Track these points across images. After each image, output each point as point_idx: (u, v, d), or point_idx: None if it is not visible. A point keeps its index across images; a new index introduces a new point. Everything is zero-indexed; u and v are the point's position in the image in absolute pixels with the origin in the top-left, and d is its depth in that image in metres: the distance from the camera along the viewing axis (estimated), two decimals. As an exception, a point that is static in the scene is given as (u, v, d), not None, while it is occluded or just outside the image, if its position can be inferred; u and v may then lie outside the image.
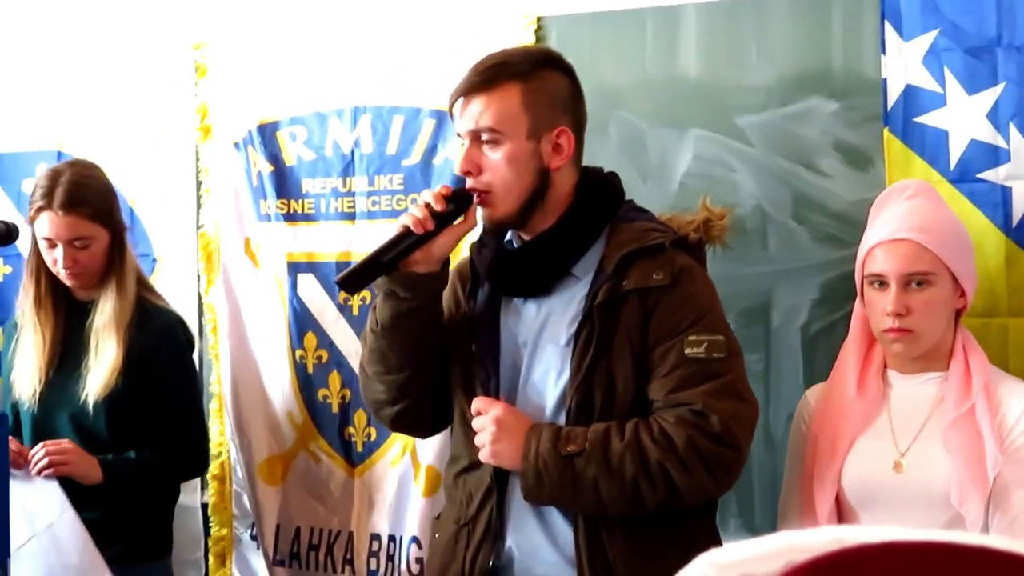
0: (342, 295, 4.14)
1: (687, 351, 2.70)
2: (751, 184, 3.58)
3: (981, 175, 3.27)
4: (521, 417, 2.78)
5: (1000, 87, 3.25)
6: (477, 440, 2.81)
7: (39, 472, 3.59)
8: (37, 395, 3.78)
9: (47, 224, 3.71)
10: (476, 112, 2.78)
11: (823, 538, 0.79)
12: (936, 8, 3.31)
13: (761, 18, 3.58)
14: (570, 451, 2.68)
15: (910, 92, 3.35)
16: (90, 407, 3.71)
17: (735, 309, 3.57)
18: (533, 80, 2.80)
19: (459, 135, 2.85)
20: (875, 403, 2.97)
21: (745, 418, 2.74)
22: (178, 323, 3.92)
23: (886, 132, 3.36)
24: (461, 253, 3.15)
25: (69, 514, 3.54)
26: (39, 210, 3.71)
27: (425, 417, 3.07)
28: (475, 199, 2.80)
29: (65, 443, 3.65)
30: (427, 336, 2.88)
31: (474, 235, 2.98)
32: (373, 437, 4.15)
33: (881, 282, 2.89)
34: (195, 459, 3.99)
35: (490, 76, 2.79)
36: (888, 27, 3.36)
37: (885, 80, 3.37)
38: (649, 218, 2.88)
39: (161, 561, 3.96)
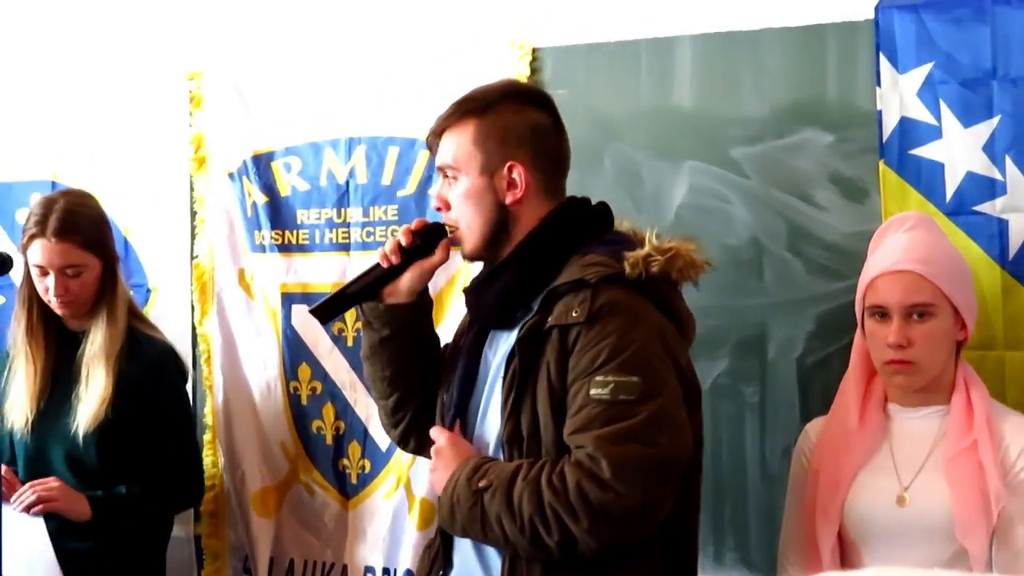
0: (337, 326, 4.14)
1: (592, 392, 2.60)
2: (746, 216, 3.57)
3: (977, 207, 3.26)
4: (461, 448, 2.81)
5: (996, 120, 3.24)
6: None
7: (26, 509, 3.58)
8: (29, 425, 3.78)
9: (39, 251, 3.70)
10: (441, 149, 2.86)
11: None
12: (931, 41, 3.31)
13: (756, 50, 3.58)
14: (480, 486, 2.68)
15: (905, 124, 3.34)
16: (80, 438, 3.70)
17: (730, 341, 3.58)
18: (488, 116, 2.82)
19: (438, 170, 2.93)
20: (876, 436, 2.96)
21: (647, 463, 2.57)
22: (169, 353, 3.92)
23: (881, 165, 3.35)
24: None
25: (48, 555, 3.54)
26: (32, 237, 3.71)
27: (427, 439, 3.01)
28: (449, 234, 2.87)
29: (52, 482, 3.64)
30: (409, 362, 2.98)
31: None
32: (367, 469, 4.13)
33: (882, 313, 2.89)
34: (188, 490, 4.00)
35: (452, 112, 2.86)
36: (883, 60, 3.36)
37: (880, 112, 3.36)
38: (612, 251, 2.75)
39: (154, 589, 3.94)
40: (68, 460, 3.73)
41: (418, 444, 3.11)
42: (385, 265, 2.85)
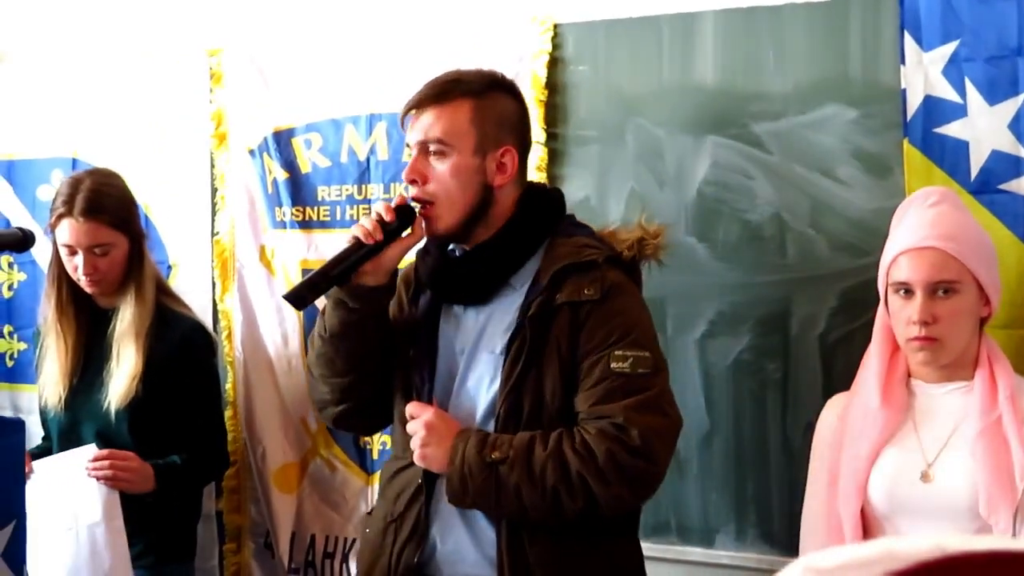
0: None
1: (613, 365, 2.79)
2: (769, 192, 3.56)
3: (1002, 186, 3.25)
4: (450, 422, 2.88)
5: (1021, 97, 3.22)
6: (411, 444, 2.90)
7: (98, 478, 3.62)
8: (62, 402, 3.82)
9: (68, 231, 3.73)
10: (426, 124, 2.90)
11: (924, 545, 0.78)
12: (956, 18, 3.29)
13: (778, 25, 3.56)
14: (494, 458, 2.77)
15: (930, 103, 3.33)
16: (112, 415, 3.74)
17: (753, 317, 3.57)
18: (484, 99, 2.92)
19: (408, 146, 2.96)
20: (900, 413, 2.95)
21: (665, 433, 2.82)
22: (198, 329, 3.96)
23: (906, 143, 3.34)
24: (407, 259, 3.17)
25: (117, 523, 3.60)
26: (60, 217, 3.74)
27: (366, 418, 3.20)
28: (418, 211, 2.90)
29: (131, 458, 3.69)
30: (372, 343, 2.99)
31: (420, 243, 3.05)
32: (388, 445, 4.13)
33: (907, 290, 2.87)
34: (218, 463, 4.05)
35: (444, 91, 2.91)
36: (908, 37, 3.34)
37: (904, 90, 3.35)
38: (587, 233, 2.99)
39: (185, 565, 4.00)
40: (100, 436, 3.76)
41: (356, 422, 3.21)
42: (370, 242, 2.86)
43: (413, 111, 2.94)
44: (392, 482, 3.05)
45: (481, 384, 2.92)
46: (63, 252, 3.80)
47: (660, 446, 2.78)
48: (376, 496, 3.18)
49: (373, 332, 2.97)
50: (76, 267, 3.77)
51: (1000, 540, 0.77)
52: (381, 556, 3.00)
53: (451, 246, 3.00)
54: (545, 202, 3.03)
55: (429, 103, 2.91)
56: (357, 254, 2.88)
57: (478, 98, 2.91)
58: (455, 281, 2.97)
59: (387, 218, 2.87)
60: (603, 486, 2.73)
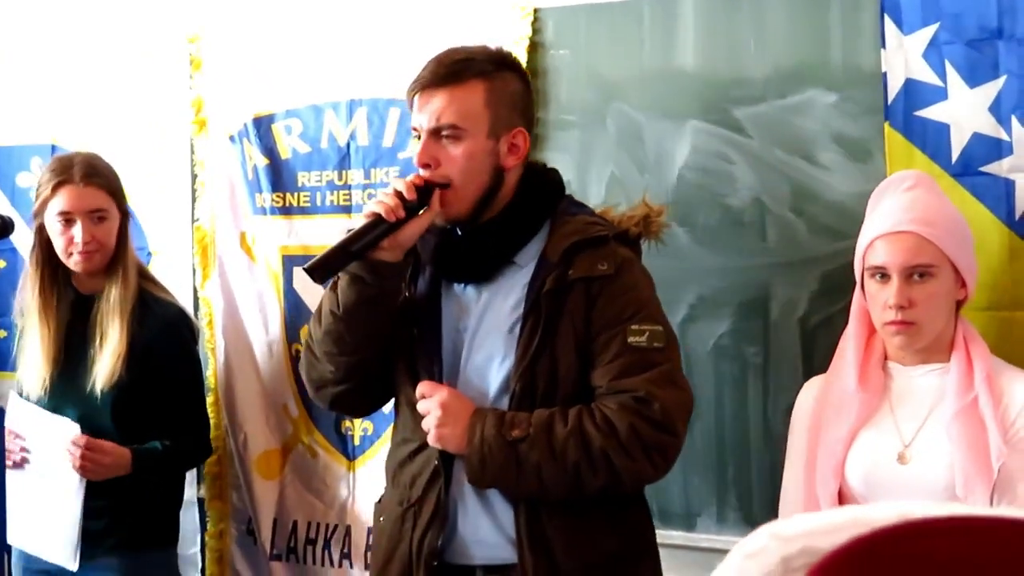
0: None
1: (629, 339, 2.80)
2: (749, 176, 3.56)
3: (983, 168, 3.25)
4: (465, 401, 2.85)
5: (1002, 80, 3.22)
6: (424, 424, 2.86)
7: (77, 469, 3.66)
8: (46, 388, 3.80)
9: (66, 198, 3.77)
10: (439, 107, 2.84)
11: (888, 513, 0.78)
12: (936, 1, 3.28)
13: (759, 9, 3.55)
14: (514, 436, 2.76)
15: (911, 86, 3.33)
16: (97, 397, 3.74)
17: (734, 302, 3.58)
18: (496, 80, 2.89)
19: (415, 128, 2.90)
20: (877, 395, 2.96)
21: (683, 406, 2.86)
22: (181, 315, 3.97)
23: (887, 127, 3.34)
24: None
25: (75, 503, 3.63)
26: (58, 185, 3.77)
27: (365, 399, 3.16)
28: (439, 190, 2.85)
29: (108, 454, 3.69)
30: (385, 321, 2.94)
31: None
32: (370, 431, 4.14)
33: (883, 274, 2.88)
34: (200, 450, 4.05)
35: (455, 71, 2.86)
36: (888, 21, 3.34)
37: (885, 74, 3.34)
38: (589, 212, 2.99)
39: (166, 550, 4.00)
40: (83, 422, 3.75)
41: (354, 402, 3.17)
42: (392, 219, 2.80)
43: (422, 92, 2.87)
44: (404, 467, 3.01)
45: (491, 362, 2.90)
46: (57, 226, 3.79)
47: (679, 418, 2.82)
48: (387, 482, 3.13)
49: (387, 309, 2.91)
50: (72, 239, 3.77)
51: (961, 507, 0.77)
52: (400, 543, 2.96)
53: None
54: (546, 181, 3.02)
55: (441, 84, 2.85)
56: (377, 230, 2.81)
57: (490, 79, 2.87)
58: (459, 259, 2.95)
59: (409, 197, 2.81)
60: (627, 460, 2.75)
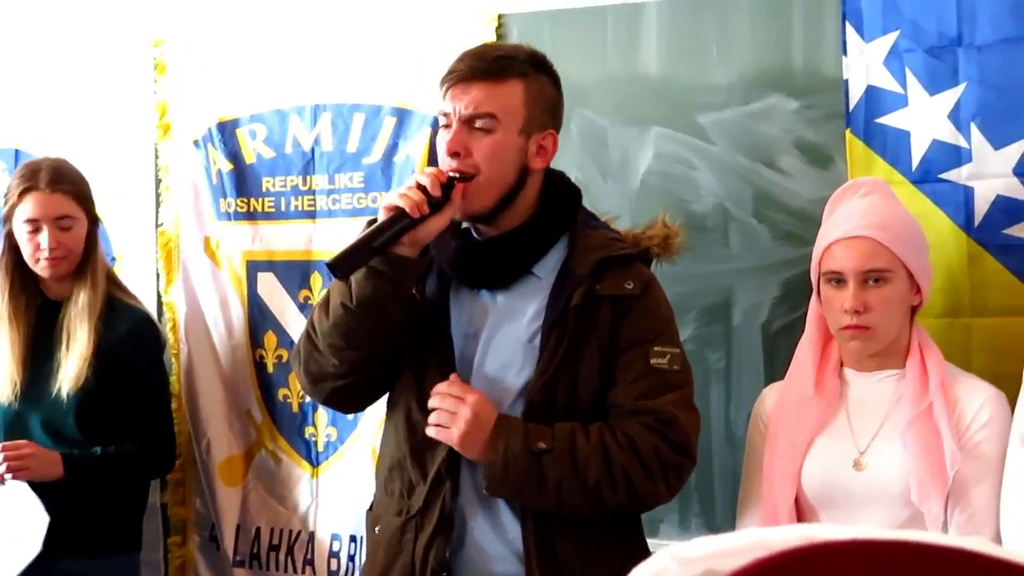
0: (303, 293, 4.13)
1: (652, 361, 2.80)
2: (712, 182, 3.57)
3: (943, 175, 3.26)
4: (491, 408, 2.78)
5: (961, 87, 3.24)
6: (441, 420, 2.78)
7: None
8: (16, 392, 3.79)
9: (33, 204, 3.77)
10: (478, 98, 2.79)
11: (792, 535, 0.78)
12: (896, 9, 3.30)
13: (722, 16, 3.57)
14: (540, 448, 2.72)
15: (871, 93, 3.34)
16: (63, 401, 3.74)
17: (696, 307, 3.58)
18: (534, 82, 2.86)
19: (444, 115, 2.83)
20: (833, 402, 2.98)
21: (698, 429, 2.88)
22: (148, 321, 3.97)
23: (848, 133, 3.35)
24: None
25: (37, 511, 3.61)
26: (24, 192, 3.77)
27: (363, 395, 3.07)
28: (462, 185, 2.78)
29: (24, 445, 3.65)
30: (398, 317, 2.85)
31: None
32: (334, 437, 4.13)
33: (839, 279, 2.90)
34: (163, 456, 4.02)
35: (498, 68, 2.82)
36: (849, 28, 3.36)
37: (847, 81, 3.36)
38: (605, 226, 2.98)
39: (129, 555, 3.98)
40: (46, 426, 3.76)
41: (351, 398, 3.07)
42: (416, 215, 2.72)
43: (462, 83, 2.81)
44: (396, 473, 2.95)
45: (507, 371, 2.86)
46: (24, 233, 3.79)
47: (695, 442, 2.85)
48: (377, 490, 3.07)
49: (400, 306, 2.83)
50: (38, 245, 3.77)
51: (866, 529, 0.77)
52: (401, 555, 2.89)
53: (464, 226, 2.93)
54: (567, 190, 3.00)
55: (482, 78, 2.80)
56: (400, 224, 2.73)
57: (529, 80, 2.84)
58: (479, 264, 2.90)
59: (434, 193, 2.73)
60: (647, 481, 2.75)
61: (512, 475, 2.73)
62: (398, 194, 2.75)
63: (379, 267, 2.75)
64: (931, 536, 0.79)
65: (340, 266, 2.74)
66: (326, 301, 2.89)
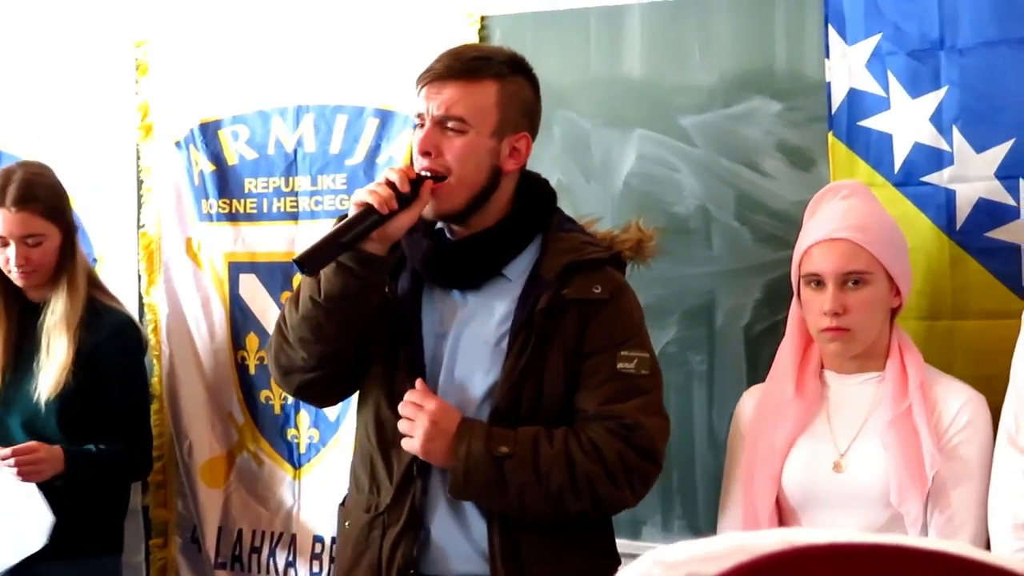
0: (285, 295, 4.12)
1: (619, 365, 2.80)
2: (694, 184, 3.57)
3: (925, 178, 3.27)
4: (453, 413, 2.79)
5: (943, 90, 3.24)
6: (405, 428, 2.80)
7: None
8: None
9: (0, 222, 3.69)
10: (450, 99, 2.79)
11: (772, 539, 0.78)
12: (879, 12, 3.31)
13: (704, 19, 3.57)
14: (502, 452, 2.72)
15: (854, 96, 3.35)
16: (42, 406, 3.73)
17: (678, 309, 3.58)
18: (510, 83, 2.86)
19: (419, 115, 2.84)
20: (813, 404, 2.99)
21: (666, 435, 2.87)
22: (130, 324, 3.96)
23: (830, 136, 3.35)
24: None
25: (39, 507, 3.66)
26: None
27: (333, 389, 3.08)
28: (430, 183, 2.77)
29: (35, 448, 3.66)
30: (366, 313, 2.86)
31: None
32: (316, 439, 4.13)
33: (818, 282, 2.91)
34: (143, 459, 4.02)
35: (473, 68, 2.82)
36: (831, 31, 3.36)
37: (829, 84, 3.36)
38: (580, 229, 2.97)
39: (112, 557, 3.97)
40: (27, 428, 3.76)
41: (321, 391, 3.07)
42: (384, 211, 2.71)
43: (435, 82, 2.81)
44: (367, 469, 2.96)
45: (472, 374, 2.87)
46: None
47: (662, 447, 2.84)
48: (350, 485, 3.08)
49: (370, 302, 2.83)
50: (8, 259, 3.76)
51: (845, 533, 0.77)
52: (367, 551, 2.90)
53: (438, 226, 2.93)
54: (541, 193, 3.00)
55: (456, 77, 2.80)
56: (368, 220, 2.73)
57: (504, 81, 2.84)
58: (450, 264, 2.90)
59: (402, 188, 2.72)
60: (611, 487, 2.75)
61: (474, 479, 2.75)
62: (367, 190, 2.75)
63: (347, 263, 2.75)
64: (910, 539, 0.79)
65: (308, 262, 2.74)
66: (297, 295, 2.89)
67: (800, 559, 0.76)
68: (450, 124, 2.79)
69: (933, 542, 0.79)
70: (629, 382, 2.80)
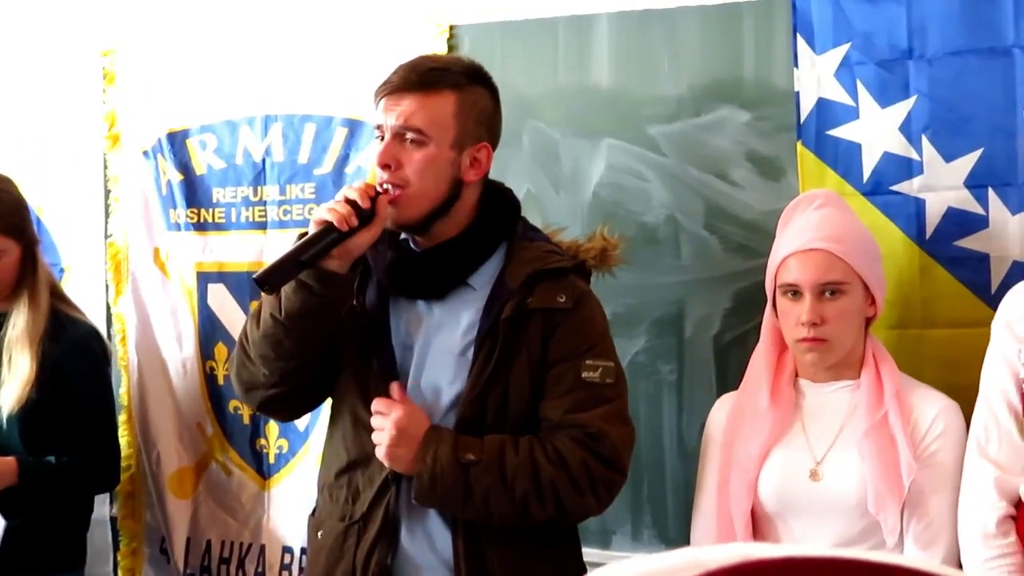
0: (254, 305, 4.10)
1: (583, 375, 2.81)
2: (663, 194, 3.57)
3: (894, 187, 3.28)
4: (420, 419, 2.80)
5: (912, 100, 3.26)
6: (375, 438, 2.82)
7: None
8: None
9: None
10: (407, 111, 2.79)
11: (727, 554, 0.77)
12: (848, 21, 3.32)
13: (673, 28, 3.57)
14: (468, 459, 2.74)
15: (823, 105, 3.36)
16: (3, 420, 3.70)
17: (648, 319, 3.58)
18: (468, 93, 2.86)
19: (379, 127, 2.85)
20: (788, 412, 3.00)
21: (630, 443, 2.89)
22: (93, 335, 3.92)
23: (799, 146, 3.36)
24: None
25: None
26: None
27: (295, 404, 3.09)
28: (388, 197, 2.78)
29: None
30: (326, 330, 2.86)
31: None
32: (285, 449, 4.11)
33: (795, 292, 2.92)
34: (107, 471, 3.97)
35: (430, 79, 2.82)
36: (800, 40, 3.37)
37: (798, 93, 3.37)
38: (544, 238, 2.97)
39: (74, 571, 3.94)
40: (-10, 442, 3.72)
41: (282, 406, 3.08)
42: (344, 228, 2.71)
43: (394, 93, 2.82)
44: (343, 481, 2.95)
45: (439, 383, 2.88)
46: None
47: (627, 456, 2.86)
48: (319, 496, 3.08)
49: (331, 319, 2.83)
50: None
51: (802, 548, 0.76)
52: (342, 560, 2.90)
53: (403, 236, 2.93)
54: (505, 201, 3.00)
55: (413, 89, 2.80)
56: (328, 238, 2.72)
57: (462, 91, 2.84)
58: (416, 276, 2.90)
59: (363, 205, 2.72)
60: (575, 495, 2.77)
61: (439, 486, 2.75)
62: (326, 208, 2.75)
63: (307, 281, 2.75)
64: (869, 553, 0.78)
65: (268, 280, 2.74)
66: (258, 312, 2.90)
67: (754, 573, 0.76)
68: (409, 136, 2.80)
69: (890, 556, 0.79)
70: (593, 391, 2.80)
